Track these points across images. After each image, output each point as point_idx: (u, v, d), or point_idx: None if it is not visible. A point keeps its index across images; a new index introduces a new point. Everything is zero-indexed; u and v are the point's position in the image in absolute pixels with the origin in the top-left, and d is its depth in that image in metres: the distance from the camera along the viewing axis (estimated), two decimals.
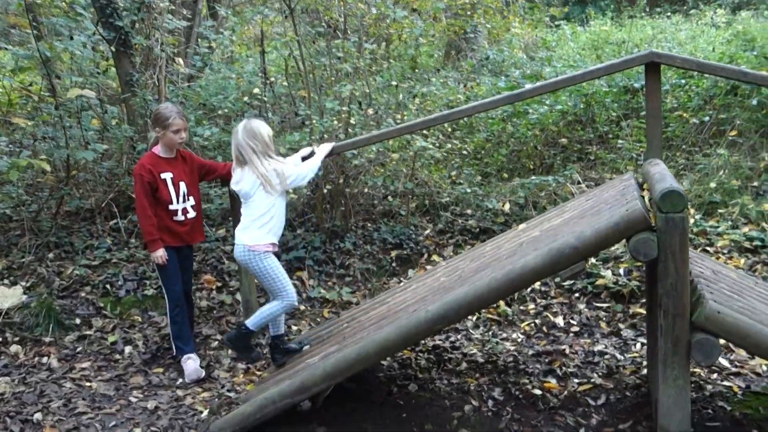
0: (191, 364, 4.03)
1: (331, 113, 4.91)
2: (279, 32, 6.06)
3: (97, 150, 5.10)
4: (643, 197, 3.08)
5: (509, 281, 2.93)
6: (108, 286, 4.89)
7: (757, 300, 3.17)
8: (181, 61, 6.46)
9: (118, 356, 4.32)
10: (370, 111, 4.99)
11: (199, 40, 7.41)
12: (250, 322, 3.84)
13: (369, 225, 5.69)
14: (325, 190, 5.16)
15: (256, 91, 5.15)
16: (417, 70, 6.28)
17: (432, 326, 3.05)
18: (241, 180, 3.74)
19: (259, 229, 3.71)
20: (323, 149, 4.01)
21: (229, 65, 7.34)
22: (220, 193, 5.82)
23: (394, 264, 5.36)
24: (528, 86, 3.81)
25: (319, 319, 4.80)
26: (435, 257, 5.42)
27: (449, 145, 5.95)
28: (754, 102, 6.29)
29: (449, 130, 6.25)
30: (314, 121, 4.78)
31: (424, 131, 5.01)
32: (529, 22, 9.56)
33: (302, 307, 4.96)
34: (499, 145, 6.57)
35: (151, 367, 4.20)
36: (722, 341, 2.80)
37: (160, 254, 3.97)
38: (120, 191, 5.60)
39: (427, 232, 5.68)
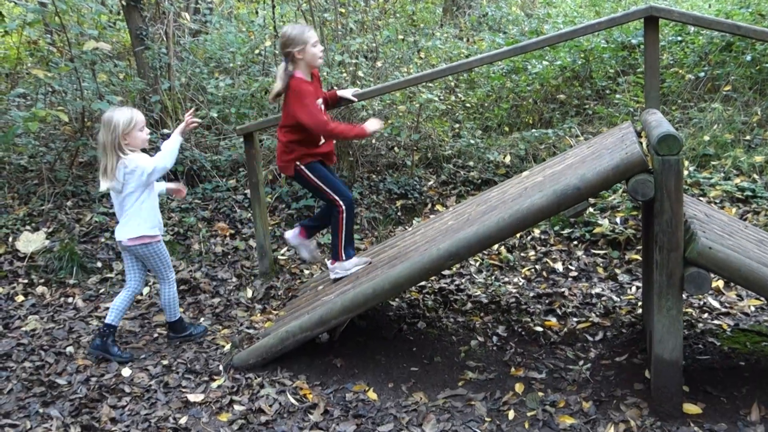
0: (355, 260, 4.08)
1: (339, 65, 5.05)
2: None
3: (112, 101, 5.24)
4: (641, 143, 3.28)
5: (516, 220, 3.13)
6: None
7: (746, 240, 3.40)
8: (187, 16, 6.54)
9: (139, 297, 4.54)
10: (379, 64, 5.13)
11: None
12: (169, 317, 3.89)
13: (375, 176, 5.89)
14: (334, 142, 5.32)
15: (267, 44, 5.27)
16: (418, 26, 6.40)
17: (444, 262, 3.27)
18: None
19: (132, 225, 3.65)
20: (176, 132, 3.80)
21: (231, 21, 7.43)
22: (229, 144, 5.98)
23: (399, 213, 5.58)
24: (532, 39, 3.96)
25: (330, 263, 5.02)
26: (439, 207, 5.63)
27: (453, 98, 6.11)
28: (748, 58, 6.46)
29: (452, 84, 6.40)
30: (324, 73, 4.92)
31: (429, 84, 5.16)
32: None
33: None
34: (500, 99, 6.73)
35: None
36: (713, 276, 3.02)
37: (374, 124, 3.89)
38: None
39: (431, 183, 5.88)
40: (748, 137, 5.97)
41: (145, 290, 4.58)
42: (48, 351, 3.75)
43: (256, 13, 6.11)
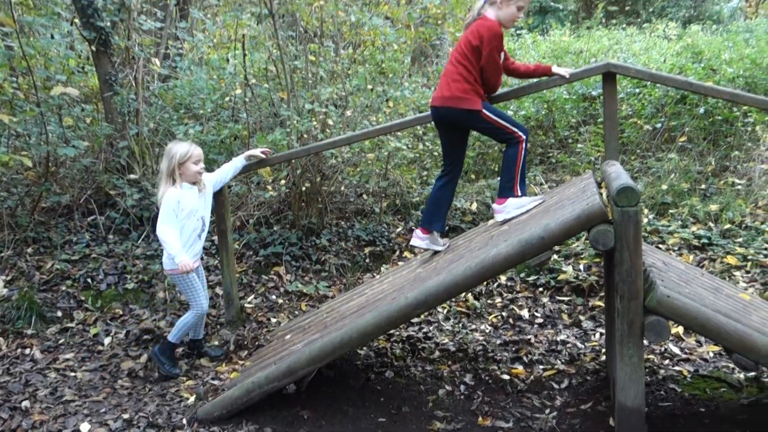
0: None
1: (309, 114, 5.13)
2: (255, 35, 6.24)
3: (78, 147, 5.21)
4: (601, 194, 3.38)
5: (482, 269, 3.19)
6: (89, 280, 5.00)
7: (702, 288, 3.50)
8: (157, 61, 6.58)
9: (100, 347, 4.45)
10: (348, 113, 5.22)
11: (171, 41, 7.54)
12: (171, 336, 4.09)
13: (343, 223, 5.92)
14: (303, 188, 5.37)
15: (238, 92, 5.33)
16: (388, 76, 6.53)
17: (411, 311, 3.30)
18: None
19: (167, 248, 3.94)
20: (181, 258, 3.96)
21: (202, 66, 7.48)
22: None
23: (367, 260, 5.60)
24: (497, 92, 4.10)
25: (297, 312, 5.00)
26: (407, 254, 5.67)
27: (421, 146, 6.22)
28: (702, 110, 6.73)
29: (420, 132, 6.52)
30: (295, 121, 4.99)
31: (398, 133, 5.26)
32: None
33: (280, 301, 5.15)
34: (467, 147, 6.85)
35: (135, 358, 4.34)
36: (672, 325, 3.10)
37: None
38: (98, 187, 5.71)
39: (399, 229, 5.93)
40: (703, 186, 6.18)
41: (106, 340, 4.49)
42: (2, 406, 3.64)
43: (227, 60, 6.18)
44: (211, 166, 5.97)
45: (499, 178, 4.01)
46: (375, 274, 5.44)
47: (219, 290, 5.07)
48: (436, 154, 6.53)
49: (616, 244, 2.99)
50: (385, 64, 6.46)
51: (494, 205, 3.97)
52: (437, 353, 4.34)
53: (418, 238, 4.03)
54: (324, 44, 5.72)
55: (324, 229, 5.70)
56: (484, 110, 3.76)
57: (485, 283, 5.22)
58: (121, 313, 4.81)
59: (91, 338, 4.54)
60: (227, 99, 5.49)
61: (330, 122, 5.11)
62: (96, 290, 4.95)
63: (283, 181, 5.31)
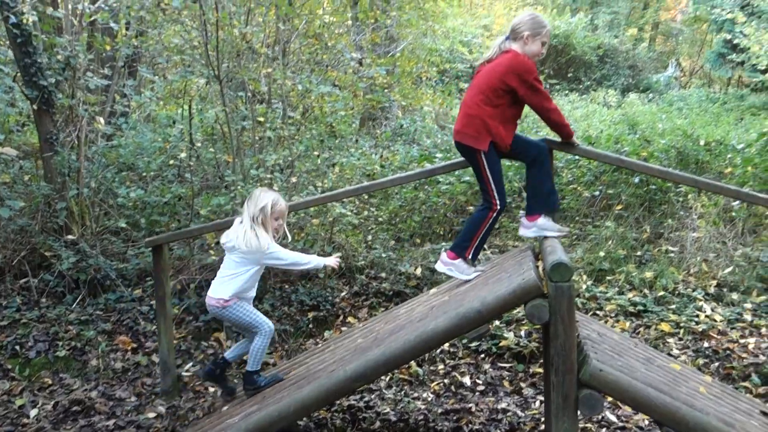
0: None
1: (254, 179, 5.14)
2: (204, 95, 6.28)
3: (14, 206, 5.08)
4: (537, 267, 3.48)
5: (421, 341, 3.20)
6: (17, 347, 4.81)
7: (635, 360, 3.60)
8: (101, 120, 6.53)
9: (26, 420, 4.25)
10: (294, 179, 5.26)
11: (118, 98, 7.50)
12: (249, 366, 3.98)
13: (287, 287, 5.88)
14: None
15: (182, 155, 5.31)
16: (336, 140, 6.64)
17: (350, 384, 3.27)
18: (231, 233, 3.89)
19: (225, 285, 3.86)
20: (322, 260, 4.05)
21: (149, 125, 7.46)
22: (137, 252, 5.86)
23: (311, 325, 5.55)
24: (431, 166, 4.24)
25: (236, 380, 4.89)
26: (350, 319, 5.65)
27: (366, 212, 6.28)
28: (636, 180, 7.03)
29: (366, 197, 6.60)
30: (239, 186, 4.99)
31: (344, 200, 5.31)
32: (439, 94, 10.23)
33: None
34: (412, 212, 6.97)
35: (61, 430, 4.16)
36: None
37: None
38: (33, 249, 5.54)
39: (344, 294, 5.92)
40: (639, 253, 6.40)
41: (33, 412, 4.29)
42: None
43: (174, 123, 6.17)
44: (153, 228, 5.90)
45: (454, 239, 3.98)
46: (318, 340, 5.40)
47: (156, 357, 4.93)
48: (381, 219, 6.61)
49: (551, 318, 3.06)
50: (335, 125, 6.58)
51: (443, 255, 3.89)
52: (378, 423, 4.29)
53: (442, 262, 3.89)
54: (272, 107, 5.78)
55: (267, 294, 5.65)
56: (483, 154, 3.69)
57: None
58: (50, 382, 4.62)
59: (16, 410, 4.33)
60: (171, 162, 5.47)
61: (275, 188, 5.12)
62: (24, 358, 4.76)
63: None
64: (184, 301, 5.49)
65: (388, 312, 4.53)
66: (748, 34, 12.60)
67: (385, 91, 6.01)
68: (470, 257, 3.85)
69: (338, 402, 4.56)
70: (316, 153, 5.42)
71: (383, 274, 6.07)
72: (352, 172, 6.01)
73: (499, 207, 3.78)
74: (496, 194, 3.76)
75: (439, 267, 3.87)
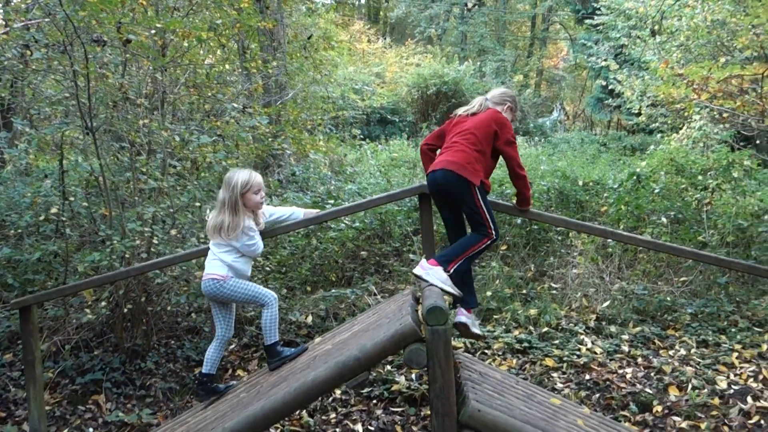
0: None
1: (133, 233, 4.97)
2: (82, 147, 6.04)
3: None
4: (417, 311, 3.53)
5: (301, 393, 3.16)
6: None
7: (516, 397, 3.70)
8: None
9: None
10: (173, 231, 5.11)
11: None
12: (268, 340, 3.94)
13: (173, 342, 5.66)
14: (126, 309, 5.11)
15: (53, 210, 5.06)
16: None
17: None
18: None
19: (222, 262, 3.86)
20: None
21: (25, 179, 7.08)
22: (8, 314, 5.48)
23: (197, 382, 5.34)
24: (321, 212, 4.26)
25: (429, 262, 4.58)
26: (240, 372, 5.49)
27: (253, 262, 6.17)
28: (519, 221, 7.33)
29: None
30: (115, 242, 4.80)
31: None
32: (332, 143, 10.34)
33: None
34: (303, 259, 6.93)
35: None
36: None
37: None
38: None
39: (232, 347, 5.76)
40: (524, 291, 6.64)
41: None
42: None
43: (45, 176, 5.88)
44: (27, 287, 5.55)
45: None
46: None
47: (26, 426, 4.58)
48: (268, 269, 6.52)
49: (429, 362, 3.10)
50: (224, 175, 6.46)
51: (423, 262, 3.92)
52: None
53: (421, 267, 3.90)
54: (154, 158, 5.64)
55: (151, 351, 5.41)
56: (477, 189, 3.85)
57: (320, 398, 5.15)
58: None
59: None
60: (42, 218, 5.19)
61: (155, 241, 4.97)
62: None
63: (103, 303, 5.02)
64: (59, 364, 5.16)
65: None
66: (621, 80, 13.59)
67: (270, 140, 6.01)
68: (451, 271, 3.89)
69: None
70: (198, 204, 5.30)
71: None
72: None
73: (494, 236, 3.93)
74: (491, 224, 3.92)
75: (417, 270, 3.90)
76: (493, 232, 3.93)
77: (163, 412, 5.04)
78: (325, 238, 7.13)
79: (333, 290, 6.34)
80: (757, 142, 11.88)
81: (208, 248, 4.03)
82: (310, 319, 5.99)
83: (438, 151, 4.15)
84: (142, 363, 5.33)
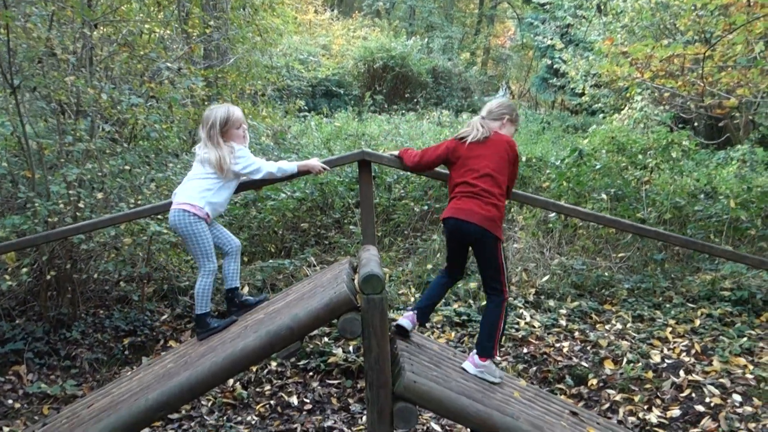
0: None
1: (57, 196, 4.68)
2: (3, 106, 5.65)
3: None
4: (353, 280, 3.42)
5: (230, 363, 3.02)
6: None
7: (452, 369, 3.64)
8: None
9: None
10: (100, 195, 4.84)
11: None
12: (198, 309, 3.77)
13: (101, 312, 5.41)
14: (49, 276, 4.83)
15: None
16: (159, 155, 6.25)
17: (153, 414, 3.00)
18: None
19: (198, 194, 3.62)
20: (301, 163, 3.89)
21: None
22: None
23: (126, 352, 5.14)
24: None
25: (37, 417, 4.39)
26: (172, 343, 5.30)
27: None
28: None
29: None
30: (36, 204, 4.51)
31: (159, 216, 4.98)
32: (275, 112, 10.06)
33: (17, 405, 4.50)
34: (241, 229, 6.73)
35: None
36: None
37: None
38: None
39: (165, 317, 5.55)
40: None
41: None
42: None
43: None
44: None
45: (477, 333, 3.84)
46: (134, 367, 4.99)
47: None
48: None
49: (364, 332, 3.00)
50: (160, 140, 6.18)
51: (475, 359, 3.71)
52: None
53: (473, 365, 3.71)
54: (82, 120, 5.32)
55: (77, 320, 5.15)
56: (501, 242, 3.71)
57: (254, 369, 5.02)
58: None
59: None
60: None
61: (81, 205, 4.69)
62: None
63: (24, 269, 4.73)
64: None
65: None
66: (566, 60, 13.69)
67: (207, 104, 5.75)
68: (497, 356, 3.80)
69: None
70: (127, 167, 5.03)
71: None
72: (172, 189, 5.64)
73: (507, 295, 3.78)
74: (507, 282, 3.74)
75: (471, 369, 3.71)
76: (507, 291, 3.79)
77: (89, 384, 4.82)
78: (264, 208, 6.94)
79: (271, 261, 6.17)
80: (695, 124, 12.18)
81: (134, 211, 3.82)
82: (246, 290, 5.82)
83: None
84: (67, 333, 5.08)
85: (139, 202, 4.97)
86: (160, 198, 5.23)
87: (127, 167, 4.94)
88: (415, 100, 17.08)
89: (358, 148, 4.89)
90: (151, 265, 5.60)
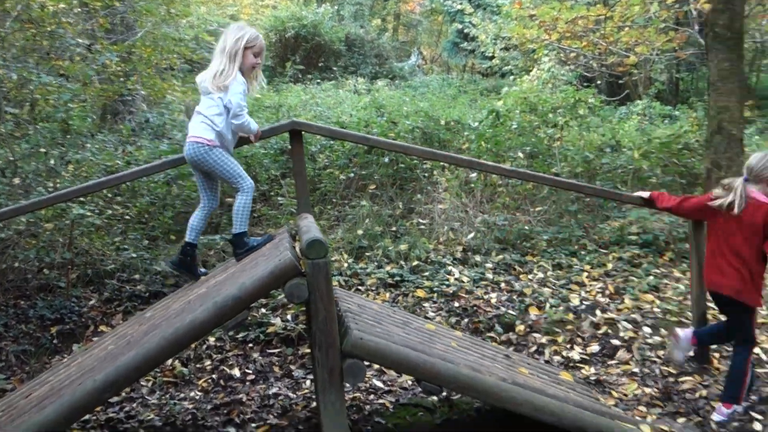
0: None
1: None
2: None
3: None
4: (294, 248, 3.47)
5: (178, 337, 3.03)
6: None
7: (394, 325, 3.78)
8: None
9: None
10: (17, 180, 4.64)
11: None
12: (236, 228, 3.77)
13: (23, 302, 5.21)
14: None
15: None
16: (69, 135, 6.00)
17: (101, 395, 2.98)
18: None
19: (210, 126, 3.63)
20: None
21: None
22: None
23: (55, 341, 4.99)
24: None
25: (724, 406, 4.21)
26: (103, 328, 5.19)
27: (110, 211, 5.78)
28: (386, 159, 7.41)
29: (110, 195, 6.07)
30: None
31: (81, 198, 4.82)
32: (188, 87, 9.78)
33: None
34: (165, 207, 6.58)
35: None
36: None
37: None
38: None
39: (92, 302, 5.41)
40: (394, 228, 6.76)
41: None
42: None
43: None
44: None
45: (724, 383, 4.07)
46: (66, 355, 4.86)
47: None
48: (128, 217, 6.14)
49: (310, 295, 3.07)
50: (69, 120, 5.93)
51: (721, 409, 3.94)
52: None
53: (719, 414, 3.97)
54: None
55: None
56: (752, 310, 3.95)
57: (193, 346, 5.00)
58: None
59: None
60: None
61: None
62: None
63: None
64: None
65: (141, 314, 4.23)
66: (476, 24, 13.95)
67: (123, 80, 5.55)
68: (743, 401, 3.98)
69: (94, 417, 4.17)
70: (43, 150, 4.83)
71: (137, 276, 5.67)
72: (91, 170, 5.47)
73: (754, 343, 4.08)
74: (754, 333, 4.04)
75: (716, 418, 3.93)
76: (752, 342, 4.06)
77: (18, 376, 4.67)
78: (187, 185, 6.80)
79: (201, 237, 6.08)
80: (598, 82, 12.73)
81: (59, 194, 3.70)
82: None
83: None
84: None
85: (57, 185, 4.78)
86: (80, 180, 5.06)
87: (42, 150, 4.74)
88: (330, 68, 16.97)
89: (277, 120, 4.89)
90: (73, 251, 5.42)
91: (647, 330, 5.04)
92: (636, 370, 4.58)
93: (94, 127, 6.79)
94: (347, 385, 3.38)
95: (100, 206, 5.72)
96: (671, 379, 4.44)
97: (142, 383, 4.62)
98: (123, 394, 4.48)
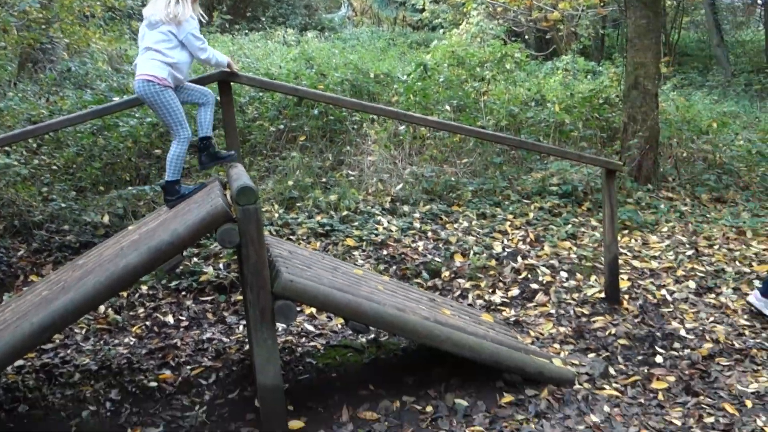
0: None
1: None
2: None
3: None
4: (225, 195, 3.60)
5: (113, 281, 3.14)
6: None
7: (323, 270, 3.99)
8: None
9: None
10: None
11: None
12: (169, 176, 3.85)
13: None
14: None
15: None
16: None
17: (38, 338, 3.08)
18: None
19: (161, 62, 3.64)
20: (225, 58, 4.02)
21: None
22: None
23: None
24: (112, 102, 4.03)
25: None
26: (33, 277, 5.19)
27: (36, 161, 5.69)
28: (316, 112, 7.51)
29: (35, 145, 5.96)
30: None
31: (6, 148, 4.75)
32: (110, 35, 9.50)
33: None
34: (92, 158, 6.52)
35: None
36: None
37: None
38: None
39: (21, 253, 5.39)
40: (324, 179, 6.92)
41: None
42: None
43: None
44: None
45: None
46: None
47: None
48: (55, 167, 6.07)
49: (242, 240, 3.23)
50: None
51: (757, 293, 4.79)
52: (78, 376, 4.10)
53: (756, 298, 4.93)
54: None
55: None
56: None
57: (125, 294, 5.09)
58: None
59: None
60: None
61: None
62: None
63: None
64: None
65: (74, 261, 4.28)
66: None
67: (43, 27, 5.40)
68: None
69: (29, 363, 4.24)
70: None
71: (66, 227, 5.65)
72: (14, 119, 5.35)
73: None
74: None
75: (752, 300, 4.82)
76: None
77: None
78: (113, 136, 6.73)
79: (131, 188, 6.09)
80: (526, 37, 13.06)
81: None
82: (107, 218, 5.75)
83: None
84: None
85: None
86: (4, 129, 4.97)
87: None
88: (259, 19, 16.66)
89: (205, 71, 4.92)
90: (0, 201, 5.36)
91: (564, 274, 5.44)
92: (552, 311, 4.96)
93: (12, 76, 6.57)
94: (280, 326, 3.58)
95: (25, 156, 5.63)
96: (584, 320, 4.85)
97: (75, 330, 4.70)
98: (57, 340, 4.55)
